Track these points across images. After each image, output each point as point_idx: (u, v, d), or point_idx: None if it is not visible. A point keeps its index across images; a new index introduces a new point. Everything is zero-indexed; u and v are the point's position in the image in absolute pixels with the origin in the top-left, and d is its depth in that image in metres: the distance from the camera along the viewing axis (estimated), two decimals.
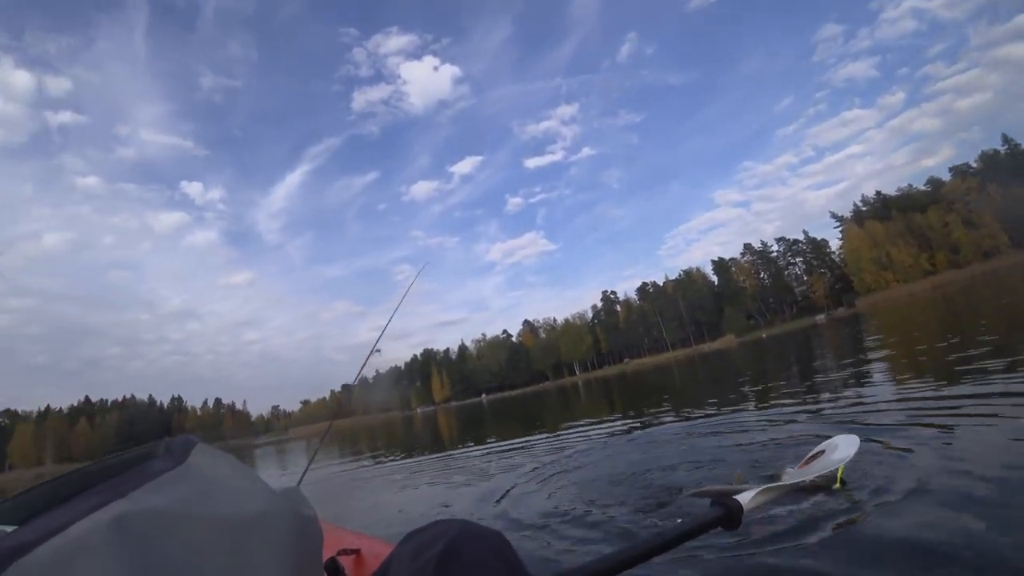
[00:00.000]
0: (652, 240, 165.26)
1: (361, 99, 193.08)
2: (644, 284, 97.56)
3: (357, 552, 1.00)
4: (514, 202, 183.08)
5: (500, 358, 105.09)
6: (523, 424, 9.38)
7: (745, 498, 1.24)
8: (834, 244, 79.57)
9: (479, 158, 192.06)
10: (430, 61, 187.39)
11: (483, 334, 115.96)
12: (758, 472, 2.68)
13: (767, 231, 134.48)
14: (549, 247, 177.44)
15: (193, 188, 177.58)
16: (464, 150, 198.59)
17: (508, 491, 3.49)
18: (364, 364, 2.23)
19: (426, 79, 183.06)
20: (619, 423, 6.31)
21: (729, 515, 1.16)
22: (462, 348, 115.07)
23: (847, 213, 78.67)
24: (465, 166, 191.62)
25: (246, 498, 0.55)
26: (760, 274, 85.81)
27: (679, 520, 1.23)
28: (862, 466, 2.25)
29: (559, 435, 6.38)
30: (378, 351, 2.28)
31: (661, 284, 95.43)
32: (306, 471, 1.67)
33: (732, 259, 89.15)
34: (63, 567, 0.38)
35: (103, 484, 0.51)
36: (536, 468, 4.18)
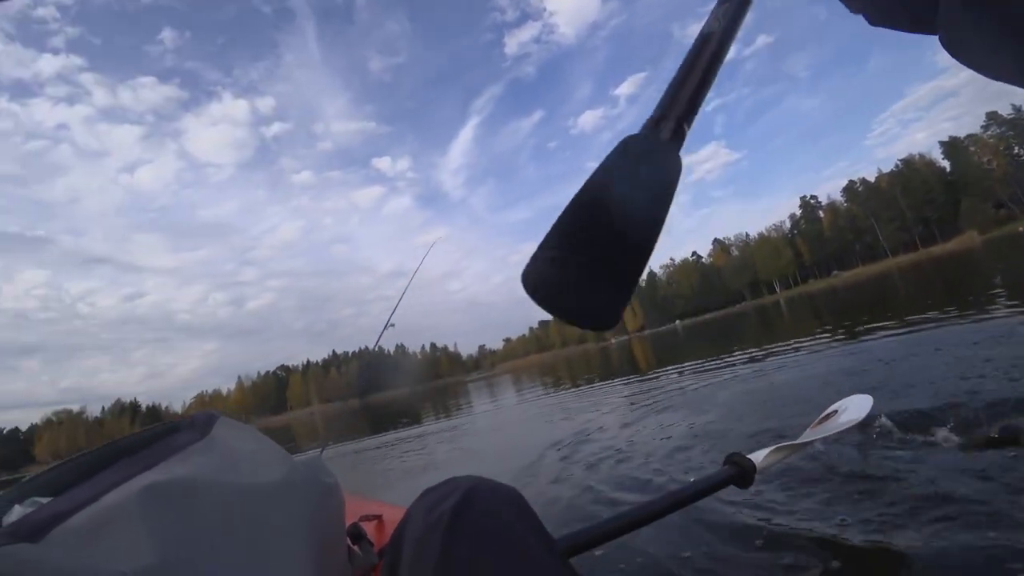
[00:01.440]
0: (856, 129, 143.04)
1: (512, 43, 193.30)
2: (851, 183, 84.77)
3: (379, 518, 1.08)
4: None
5: (691, 281, 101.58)
6: (718, 347, 9.07)
7: (758, 457, 1.23)
8: None
9: (642, 75, 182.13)
10: None
11: (671, 258, 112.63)
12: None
13: (1021, 92, 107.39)
14: (732, 156, 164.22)
15: (383, 163, 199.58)
16: (625, 70, 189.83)
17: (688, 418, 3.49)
18: (379, 338, 2.29)
19: (572, 5, 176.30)
20: (825, 342, 5.82)
21: (742, 474, 1.17)
22: (650, 275, 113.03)
23: None
24: (629, 86, 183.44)
25: (268, 467, 0.57)
26: (1014, 150, 68.50)
27: (692, 479, 1.22)
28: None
29: (756, 357, 6.10)
30: (392, 326, 2.32)
31: (873, 180, 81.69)
32: (326, 446, 1.81)
33: (970, 136, 72.65)
34: (97, 533, 0.40)
35: (132, 457, 0.53)
36: (704, 395, 4.11)
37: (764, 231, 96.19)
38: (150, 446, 0.56)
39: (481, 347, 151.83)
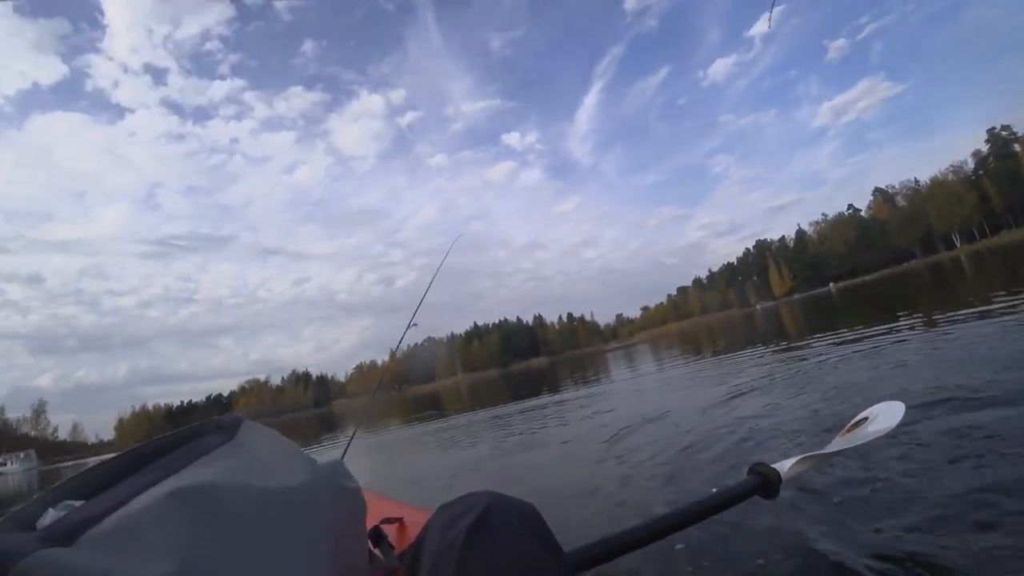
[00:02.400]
0: None
1: None
2: None
3: (400, 520, 1.09)
4: (836, 46, 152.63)
5: (847, 238, 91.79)
6: (880, 314, 8.29)
7: (784, 467, 1.18)
8: None
9: (779, 7, 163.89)
10: None
11: (823, 214, 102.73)
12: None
13: None
14: (894, 89, 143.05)
15: (512, 138, 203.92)
16: (759, 5, 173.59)
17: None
18: (402, 338, 2.38)
19: None
20: (1014, 308, 5.16)
21: (766, 484, 1.13)
22: (799, 233, 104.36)
23: None
24: (764, 24, 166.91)
25: (291, 470, 0.58)
26: None
27: (714, 489, 1.21)
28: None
29: (925, 327, 5.57)
30: (415, 325, 2.41)
31: None
32: (349, 445, 1.90)
33: None
34: (127, 536, 0.42)
35: (160, 461, 0.54)
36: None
37: (938, 174, 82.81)
38: (178, 449, 0.57)
39: (618, 316, 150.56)
